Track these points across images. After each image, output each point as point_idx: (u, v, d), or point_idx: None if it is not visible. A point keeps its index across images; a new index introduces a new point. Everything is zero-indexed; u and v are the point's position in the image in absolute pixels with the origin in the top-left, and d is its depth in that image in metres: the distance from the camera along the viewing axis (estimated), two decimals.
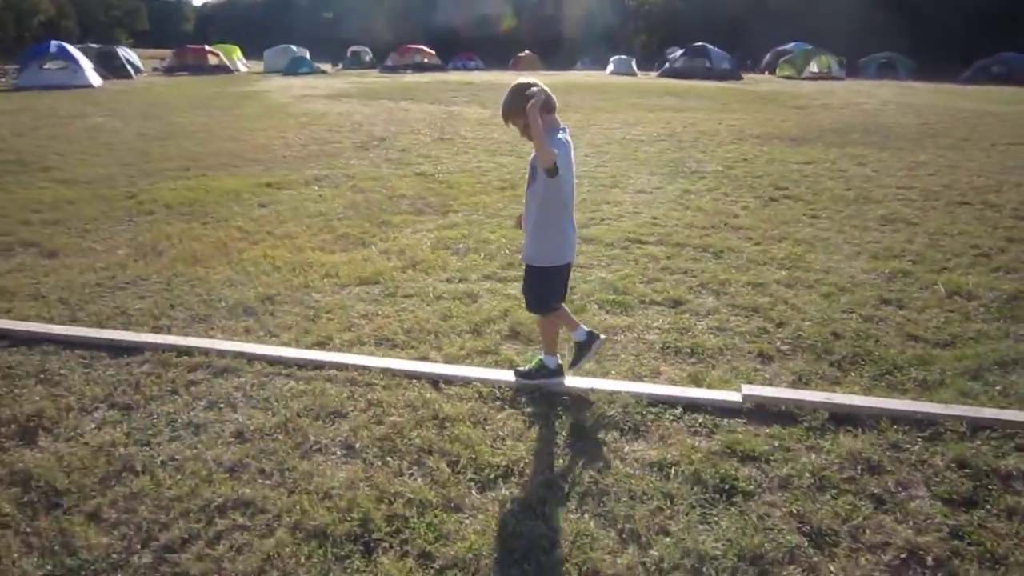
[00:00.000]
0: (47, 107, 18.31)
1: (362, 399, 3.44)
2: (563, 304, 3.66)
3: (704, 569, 2.43)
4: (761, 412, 3.44)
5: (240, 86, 28.42)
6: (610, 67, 42.78)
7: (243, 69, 40.00)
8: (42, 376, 3.67)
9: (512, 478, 2.88)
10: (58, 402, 3.39)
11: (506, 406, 3.43)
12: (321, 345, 4.09)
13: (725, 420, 3.36)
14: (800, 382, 3.77)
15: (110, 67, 30.74)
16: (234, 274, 5.33)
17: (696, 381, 3.75)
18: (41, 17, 54.36)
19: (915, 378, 3.80)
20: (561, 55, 55.46)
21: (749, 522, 2.66)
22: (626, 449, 3.11)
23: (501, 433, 3.19)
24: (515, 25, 63.05)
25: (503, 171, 9.59)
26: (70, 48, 27.68)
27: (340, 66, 45.86)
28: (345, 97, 21.81)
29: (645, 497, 2.78)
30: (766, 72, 41.82)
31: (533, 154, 3.30)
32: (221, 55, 38.71)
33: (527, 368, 3.66)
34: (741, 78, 36.86)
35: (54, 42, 28.02)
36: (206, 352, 3.88)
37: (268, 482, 2.80)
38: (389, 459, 2.97)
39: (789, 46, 43.18)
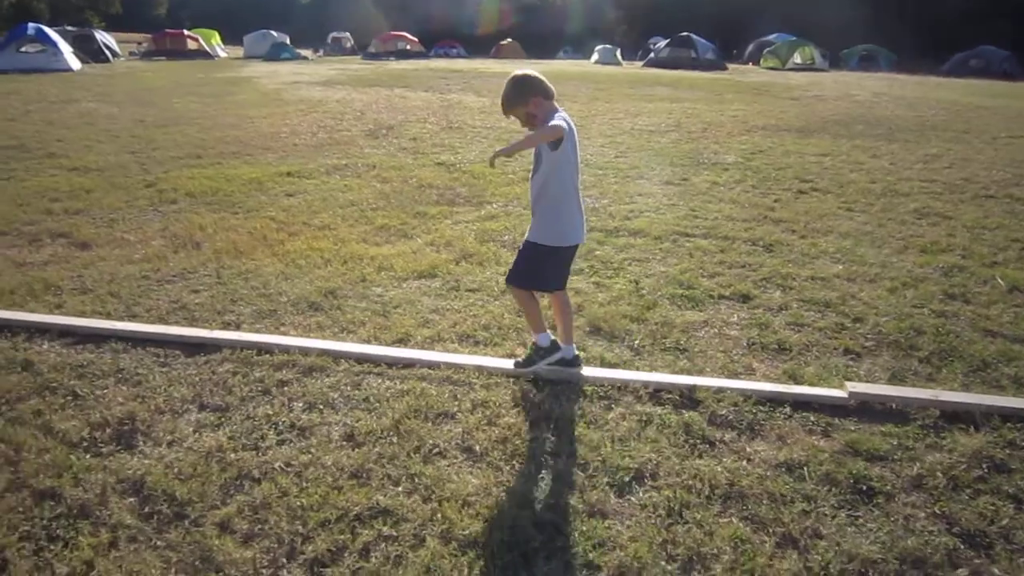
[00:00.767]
0: (34, 91, 17.75)
1: (466, 399, 3.33)
2: (537, 300, 3.62)
3: (870, 574, 2.36)
4: (868, 410, 3.39)
5: (224, 71, 27.86)
6: (595, 56, 42.65)
7: (222, 54, 39.19)
8: (120, 376, 3.51)
9: (646, 480, 2.79)
10: (146, 404, 3.23)
11: (613, 405, 3.34)
12: (402, 342, 3.96)
13: (836, 419, 3.30)
14: (896, 379, 3.73)
15: (88, 51, 29.93)
16: (284, 267, 5.16)
17: (794, 378, 3.68)
18: None
19: (1008, 374, 3.78)
20: (543, 44, 55.19)
21: (897, 524, 2.60)
22: (748, 449, 3.04)
23: (618, 433, 3.10)
24: (496, 23, 62.62)
25: (524, 161, 9.42)
26: (48, 31, 26.90)
27: (321, 52, 45.17)
28: (337, 84, 21.46)
29: (786, 499, 2.71)
30: (750, 63, 42.00)
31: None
32: (200, 40, 37.89)
33: (523, 357, 3.60)
34: (726, 68, 36.98)
35: (31, 24, 27.18)
36: (287, 350, 3.73)
37: (399, 489, 2.68)
38: (515, 463, 2.87)
39: (772, 37, 43.42)
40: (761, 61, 40.32)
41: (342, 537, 2.41)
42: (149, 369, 3.57)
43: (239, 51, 42.09)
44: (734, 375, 3.71)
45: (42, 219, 6.42)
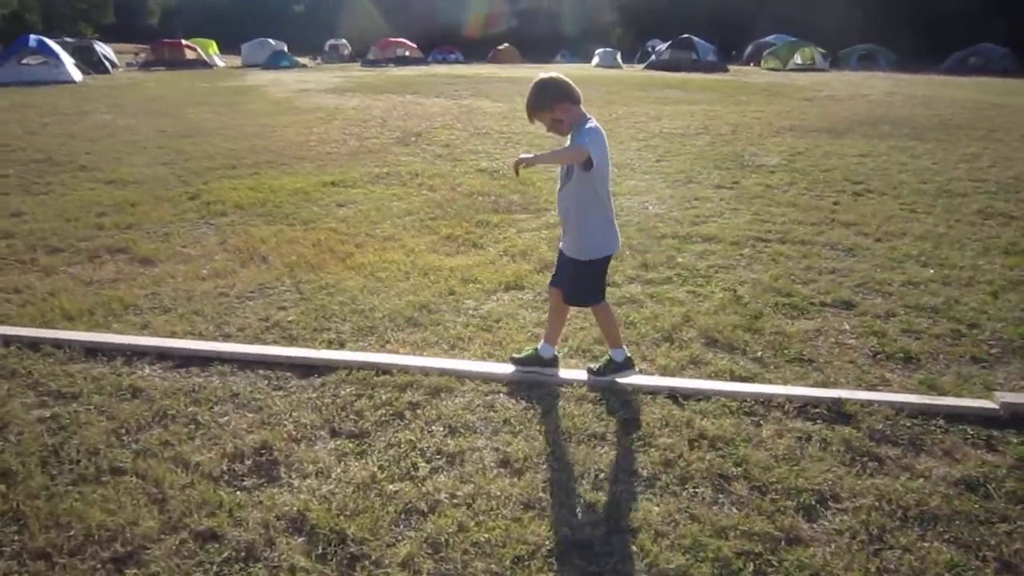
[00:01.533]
0: (45, 103, 17.50)
1: (612, 419, 3.16)
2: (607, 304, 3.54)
3: None
4: (1021, 420, 3.24)
5: (227, 81, 27.63)
6: (595, 60, 42.59)
7: (220, 64, 38.91)
8: (237, 401, 3.33)
9: (830, 503, 2.64)
10: (276, 432, 3.06)
11: (762, 422, 3.18)
12: (493, 356, 3.79)
13: (993, 431, 3.16)
14: None
15: (88, 62, 29.64)
16: (365, 281, 4.99)
17: (934, 389, 3.54)
18: (4, 11, 52.30)
19: None
20: (540, 48, 55.13)
21: None
22: (919, 466, 2.89)
23: (779, 452, 2.94)
24: (483, 28, 62.39)
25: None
26: (49, 42, 26.60)
27: (319, 60, 44.97)
28: (347, 91, 21.28)
29: (982, 520, 2.56)
30: (751, 64, 42.02)
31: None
32: (198, 49, 37.63)
33: (599, 366, 3.50)
34: (727, 70, 36.96)
35: (33, 36, 26.88)
36: (406, 369, 3.56)
37: (582, 519, 2.52)
38: (688, 487, 2.71)
39: (770, 38, 43.46)
40: (762, 62, 40.32)
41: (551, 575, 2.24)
42: (265, 393, 3.39)
43: (236, 60, 41.82)
44: (872, 387, 3.57)
45: (95, 235, 6.23)
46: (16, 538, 2.38)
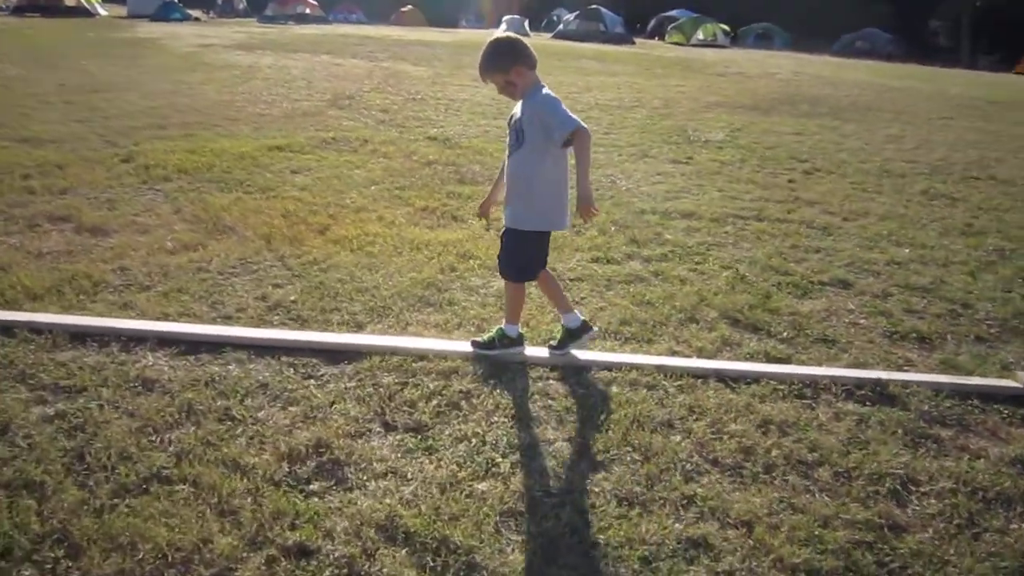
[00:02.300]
0: None
1: (674, 405, 3.08)
2: (553, 280, 3.52)
3: None
4: None
5: (116, 32, 25.53)
6: (502, 26, 41.95)
7: (102, 12, 35.81)
8: (269, 393, 3.02)
9: (911, 487, 2.66)
10: (326, 426, 2.79)
11: (814, 405, 3.19)
12: (550, 342, 3.64)
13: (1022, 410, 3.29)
14: None
15: None
16: (355, 256, 4.68)
17: (956, 368, 3.66)
18: None
19: None
20: (443, 12, 53.96)
21: None
22: (973, 447, 2.96)
23: (843, 436, 2.95)
24: None
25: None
26: None
27: (212, 14, 42.26)
28: (256, 49, 20.08)
29: None
30: (656, 38, 42.72)
31: (515, 115, 3.23)
32: None
33: (486, 338, 3.41)
34: (634, 43, 37.46)
35: None
36: (444, 355, 3.35)
37: (689, 515, 2.43)
38: (776, 475, 2.66)
39: (674, 12, 44.30)
40: (666, 37, 41.07)
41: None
42: (297, 383, 3.10)
43: (121, 10, 38.66)
44: (899, 367, 3.65)
45: (27, 200, 5.58)
46: (72, 564, 2.06)
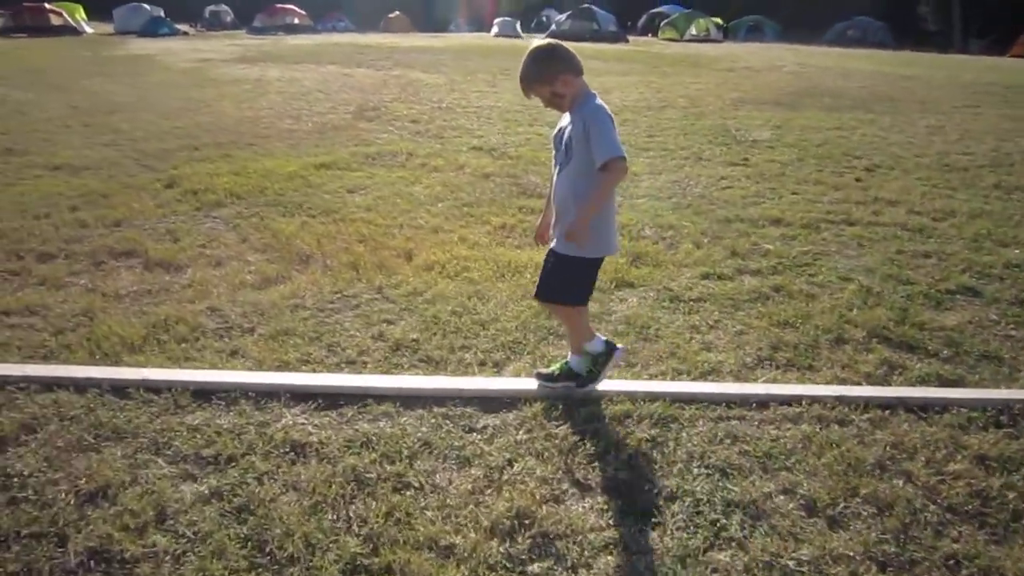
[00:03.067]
0: None
1: (874, 441, 2.80)
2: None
3: None
4: None
5: (109, 50, 25.03)
6: (495, 29, 41.74)
7: (88, 30, 35.16)
8: (435, 451, 2.71)
9: None
10: (516, 491, 2.49)
11: (1017, 434, 2.90)
12: (714, 374, 3.35)
13: None
14: None
15: None
16: (456, 283, 4.37)
17: None
18: None
19: None
20: (432, 17, 53.65)
21: None
22: None
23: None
24: None
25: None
26: None
27: (200, 27, 41.68)
28: (258, 62, 19.68)
29: None
30: (648, 35, 42.51)
31: (562, 127, 2.90)
32: (64, 14, 33.90)
33: (550, 370, 3.11)
34: (628, 41, 37.19)
35: None
36: (609, 397, 3.04)
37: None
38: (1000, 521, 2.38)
39: (664, 8, 44.11)
40: (659, 33, 40.87)
41: None
42: (462, 439, 2.79)
43: (107, 27, 38.01)
44: None
45: (82, 234, 5.23)
46: None
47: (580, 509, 2.42)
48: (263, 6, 41.61)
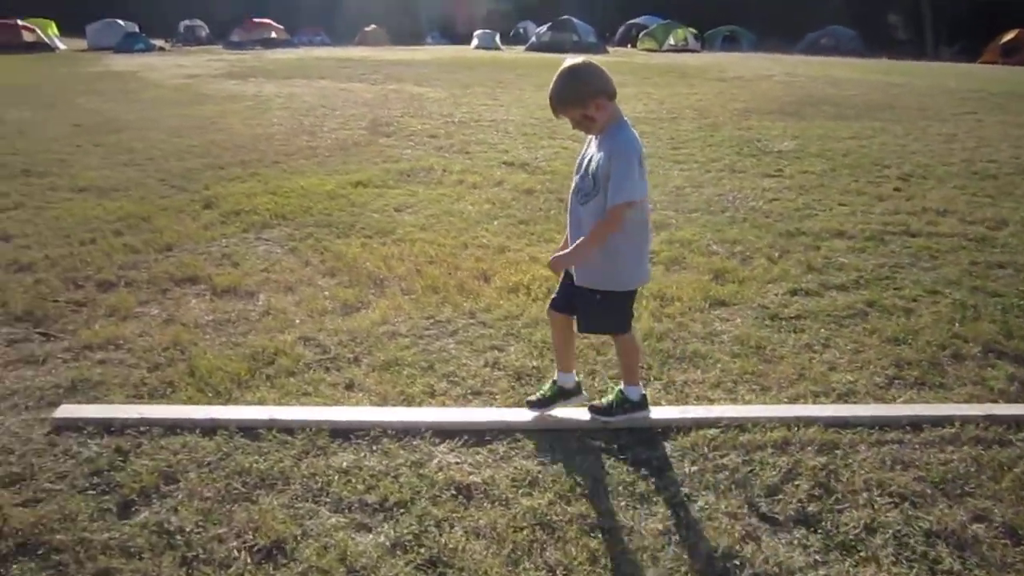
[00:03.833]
0: None
1: (1008, 474, 2.73)
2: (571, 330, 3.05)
3: None
4: None
5: (87, 66, 24.52)
6: (474, 42, 41.74)
7: (61, 46, 34.50)
8: (614, 491, 2.59)
9: None
10: (715, 528, 2.38)
11: None
12: (847, 397, 3.27)
13: None
14: None
15: None
16: (546, 306, 4.24)
17: None
18: None
19: None
20: (407, 30, 53.50)
21: None
22: None
23: None
24: None
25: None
26: None
27: (176, 42, 41.09)
28: (248, 77, 19.40)
29: None
30: (627, 46, 42.83)
31: (589, 156, 2.78)
32: (38, 31, 33.20)
33: (607, 403, 3.00)
34: (608, 52, 37.41)
35: None
36: (757, 422, 2.95)
37: None
38: None
39: (641, 19, 44.50)
40: (638, 44, 41.20)
41: None
42: (631, 475, 2.67)
43: (81, 43, 37.34)
44: None
45: (136, 260, 5.04)
46: None
47: (774, 545, 2.32)
48: (239, 21, 41.14)
